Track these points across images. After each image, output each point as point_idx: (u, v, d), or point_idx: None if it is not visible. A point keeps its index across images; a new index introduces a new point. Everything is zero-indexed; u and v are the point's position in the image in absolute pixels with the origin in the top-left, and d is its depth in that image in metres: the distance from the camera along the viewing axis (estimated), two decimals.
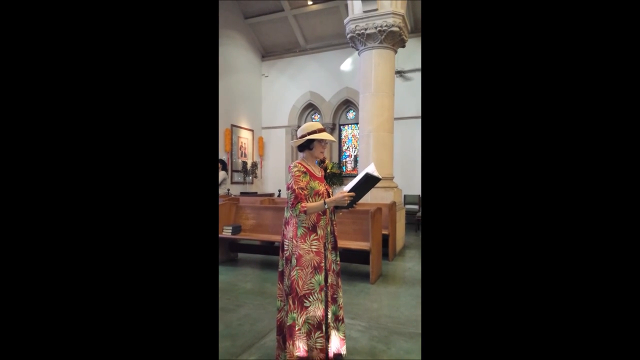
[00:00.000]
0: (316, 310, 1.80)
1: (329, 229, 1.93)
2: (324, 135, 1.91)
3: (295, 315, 1.78)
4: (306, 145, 1.93)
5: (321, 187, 1.90)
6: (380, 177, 1.86)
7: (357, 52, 5.76)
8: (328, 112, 9.65)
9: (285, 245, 1.90)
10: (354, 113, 9.60)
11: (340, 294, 2.00)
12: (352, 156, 9.73)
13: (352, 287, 3.58)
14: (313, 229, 1.85)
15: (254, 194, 8.57)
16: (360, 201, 5.41)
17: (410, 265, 4.59)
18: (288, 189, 1.85)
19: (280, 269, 1.94)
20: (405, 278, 3.98)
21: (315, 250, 1.83)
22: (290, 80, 10.00)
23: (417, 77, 8.20)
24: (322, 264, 1.84)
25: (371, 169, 1.83)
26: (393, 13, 5.21)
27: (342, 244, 3.96)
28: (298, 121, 10.06)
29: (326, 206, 1.82)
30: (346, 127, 9.87)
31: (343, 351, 2.00)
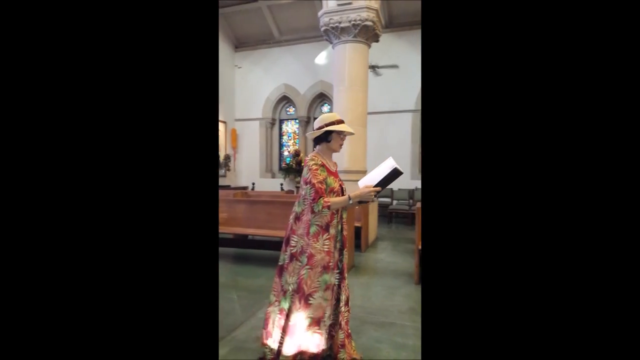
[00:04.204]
0: (318, 307, 1.75)
1: (339, 228, 1.84)
2: (343, 127, 1.80)
3: (298, 314, 1.74)
4: (324, 138, 1.82)
5: (336, 184, 1.80)
6: (403, 171, 1.79)
7: (331, 45, 5.76)
8: (303, 105, 9.61)
9: (292, 241, 1.81)
10: (328, 107, 9.62)
11: (347, 316, 1.88)
12: None
13: None
14: (326, 227, 1.76)
15: (227, 187, 8.44)
16: None
17: (382, 256, 4.69)
18: (306, 183, 1.75)
19: (280, 263, 1.87)
20: (377, 269, 4.07)
21: (326, 250, 1.75)
22: (264, 72, 9.87)
23: (390, 72, 8.32)
24: (331, 264, 1.78)
25: (393, 163, 1.77)
26: (367, 8, 5.24)
27: None
28: (272, 114, 9.96)
29: (351, 201, 1.73)
30: None
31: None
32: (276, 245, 4.59)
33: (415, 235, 3.62)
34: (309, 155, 1.82)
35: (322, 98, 9.64)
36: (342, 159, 5.57)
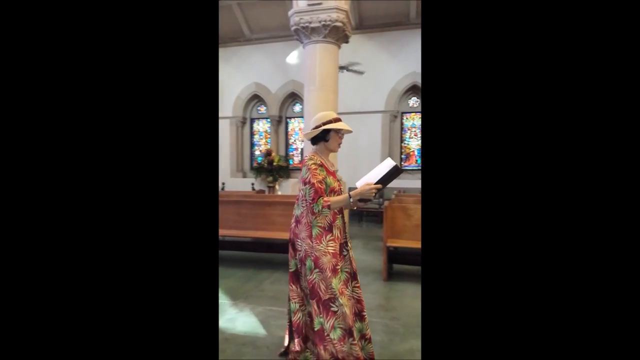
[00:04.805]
0: (344, 317, 1.65)
1: (346, 228, 1.79)
2: (342, 125, 1.75)
3: (322, 320, 1.65)
4: (321, 137, 1.76)
5: (335, 183, 1.75)
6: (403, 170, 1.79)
7: (302, 45, 5.77)
8: (274, 105, 9.55)
9: (297, 245, 1.76)
10: (300, 106, 9.61)
11: (364, 309, 1.85)
12: (299, 149, 9.76)
13: None
14: (329, 228, 1.70)
15: None
16: None
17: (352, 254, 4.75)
18: (305, 183, 1.68)
19: (292, 270, 1.81)
20: None
21: (331, 251, 1.69)
22: (234, 70, 9.71)
23: (360, 73, 8.43)
24: (338, 267, 1.70)
25: (393, 162, 1.75)
26: (337, 8, 5.29)
27: (284, 235, 3.98)
28: (243, 112, 9.83)
29: (351, 200, 1.66)
30: (293, 120, 9.86)
31: None
32: (246, 245, 4.54)
33: (384, 233, 3.71)
34: (307, 155, 1.76)
35: (294, 97, 9.62)
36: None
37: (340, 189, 1.79)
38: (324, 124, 1.73)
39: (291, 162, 9.75)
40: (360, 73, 8.00)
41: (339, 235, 1.74)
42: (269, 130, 9.98)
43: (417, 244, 3.62)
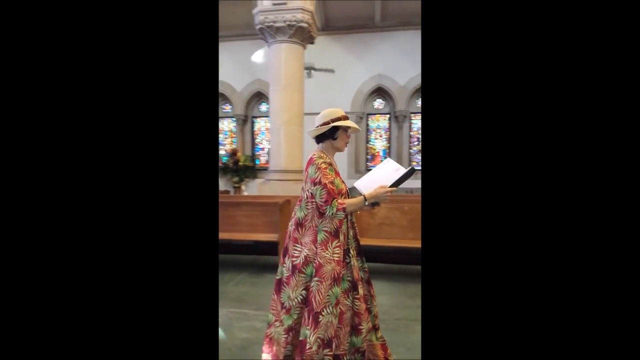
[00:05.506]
0: (328, 326, 1.55)
1: (351, 233, 1.68)
2: (351, 123, 1.64)
3: (307, 332, 1.55)
4: (329, 135, 1.65)
5: (343, 185, 1.64)
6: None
7: (267, 44, 5.73)
8: (239, 103, 9.41)
9: (295, 251, 1.63)
10: (266, 106, 9.53)
11: (375, 304, 1.75)
12: (266, 149, 9.67)
13: (260, 278, 3.60)
14: (335, 234, 1.58)
15: None
16: (270, 193, 5.33)
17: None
18: (315, 184, 1.56)
19: (278, 277, 1.70)
20: None
21: (337, 259, 1.57)
22: None
23: (326, 75, 8.50)
24: (341, 275, 1.61)
25: (397, 165, 1.69)
26: (302, 9, 5.30)
27: (250, 236, 3.95)
28: None
29: (366, 202, 1.56)
30: (259, 119, 9.76)
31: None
32: None
33: None
34: (315, 153, 1.65)
35: (260, 96, 9.52)
36: (279, 159, 5.58)
37: (347, 191, 1.68)
38: (333, 120, 1.62)
39: (258, 162, 9.64)
40: (309, 77, 8.11)
41: (343, 240, 1.63)
42: (234, 130, 9.81)
43: (381, 242, 3.72)
